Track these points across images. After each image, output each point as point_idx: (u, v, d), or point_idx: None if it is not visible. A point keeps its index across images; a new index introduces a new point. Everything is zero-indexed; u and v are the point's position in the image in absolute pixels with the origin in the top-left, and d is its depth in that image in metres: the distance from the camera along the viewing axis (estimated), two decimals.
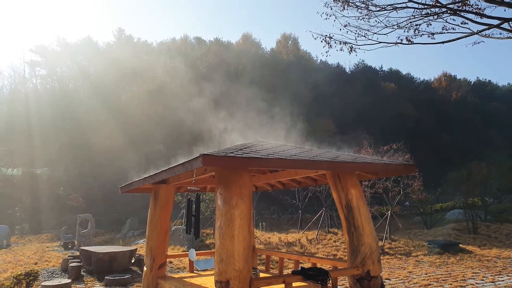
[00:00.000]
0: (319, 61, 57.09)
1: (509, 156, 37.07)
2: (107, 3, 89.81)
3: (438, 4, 7.42)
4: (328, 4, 8.19)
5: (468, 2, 7.26)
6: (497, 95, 70.31)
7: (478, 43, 8.05)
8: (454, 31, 7.68)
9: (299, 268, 4.81)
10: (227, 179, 4.37)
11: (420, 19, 7.79)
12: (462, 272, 11.10)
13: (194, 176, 4.97)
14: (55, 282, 9.58)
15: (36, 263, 13.60)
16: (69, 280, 10.03)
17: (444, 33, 7.80)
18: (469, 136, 51.75)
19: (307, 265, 5.57)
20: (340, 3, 7.99)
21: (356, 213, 4.98)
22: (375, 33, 8.11)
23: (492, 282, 9.80)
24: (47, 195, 29.26)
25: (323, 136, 24.29)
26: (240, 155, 4.12)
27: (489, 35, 7.52)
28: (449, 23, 7.68)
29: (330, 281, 4.67)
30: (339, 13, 8.13)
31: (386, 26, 8.02)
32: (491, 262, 12.76)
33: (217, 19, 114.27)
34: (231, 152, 4.25)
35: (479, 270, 11.46)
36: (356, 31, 8.16)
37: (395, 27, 8.00)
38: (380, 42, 8.15)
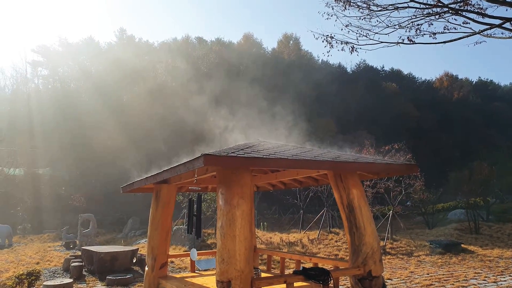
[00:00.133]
0: (320, 61, 57.22)
1: (511, 156, 36.92)
2: (108, 4, 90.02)
3: (439, 4, 7.42)
4: (330, 4, 8.21)
5: (470, 2, 7.25)
6: (499, 95, 70.16)
7: (480, 43, 8.05)
8: (455, 31, 7.68)
9: (301, 268, 4.80)
10: (229, 179, 4.36)
11: (422, 19, 7.79)
12: (464, 272, 11.08)
13: (196, 176, 4.97)
14: (57, 281, 9.60)
15: (38, 263, 13.62)
16: (71, 280, 10.05)
17: (446, 33, 7.80)
18: (471, 136, 51.58)
19: (308, 265, 5.56)
20: (342, 3, 8.01)
21: (358, 213, 4.97)
22: (377, 33, 8.13)
23: (494, 282, 9.77)
24: (49, 195, 29.37)
25: (325, 136, 24.25)
26: (241, 155, 4.12)
27: (491, 34, 7.50)
28: (450, 22, 7.69)
29: (332, 281, 4.66)
30: (340, 13, 8.15)
31: (388, 26, 8.02)
32: (493, 262, 12.72)
33: (218, 19, 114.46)
34: (232, 152, 4.24)
35: (481, 270, 11.43)
36: (357, 31, 8.18)
37: (397, 27, 8.00)
38: (382, 42, 8.16)
